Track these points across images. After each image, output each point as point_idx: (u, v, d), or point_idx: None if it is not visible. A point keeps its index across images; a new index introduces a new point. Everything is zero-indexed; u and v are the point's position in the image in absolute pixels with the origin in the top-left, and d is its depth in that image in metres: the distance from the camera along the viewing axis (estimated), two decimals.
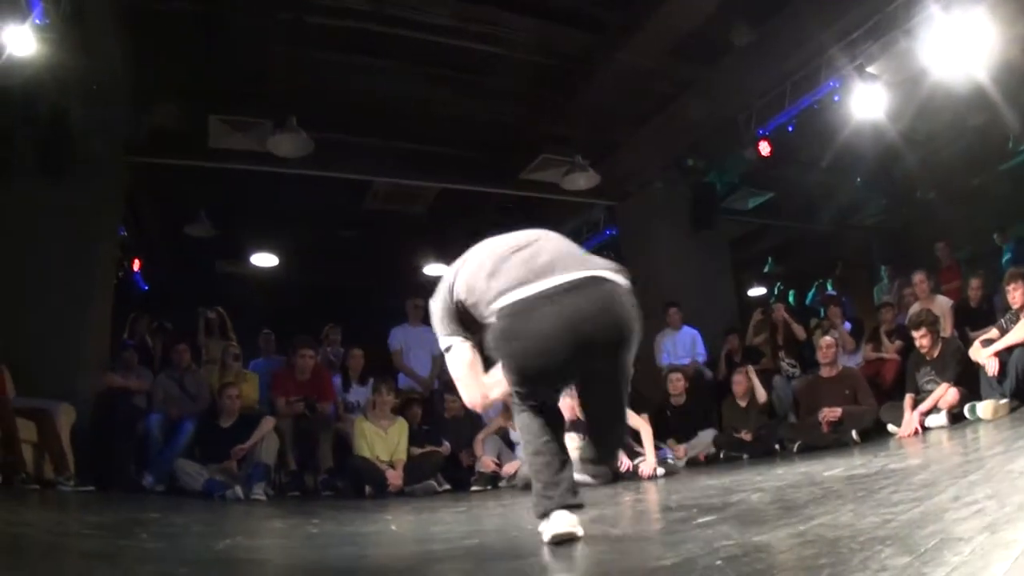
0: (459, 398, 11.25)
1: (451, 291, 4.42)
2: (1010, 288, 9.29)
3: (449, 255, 15.07)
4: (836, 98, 12.04)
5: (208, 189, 14.28)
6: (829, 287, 18.37)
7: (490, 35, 11.12)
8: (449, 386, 11.84)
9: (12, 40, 8.43)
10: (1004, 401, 8.59)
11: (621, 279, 4.04)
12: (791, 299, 19.02)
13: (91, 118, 10.74)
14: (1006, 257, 13.71)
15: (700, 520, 4.20)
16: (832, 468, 6.52)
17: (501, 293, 4.01)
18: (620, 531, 4.71)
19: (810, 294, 18.47)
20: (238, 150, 12.26)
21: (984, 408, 8.54)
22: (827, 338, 11.15)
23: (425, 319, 12.88)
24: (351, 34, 10.91)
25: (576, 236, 17.75)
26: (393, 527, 6.16)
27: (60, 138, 10.60)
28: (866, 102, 11.51)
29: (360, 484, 10.13)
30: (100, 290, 11.48)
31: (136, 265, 15.98)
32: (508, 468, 10.36)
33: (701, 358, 13.19)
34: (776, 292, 19.41)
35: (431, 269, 17.22)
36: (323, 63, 11.44)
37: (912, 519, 3.20)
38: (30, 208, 10.73)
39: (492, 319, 4.03)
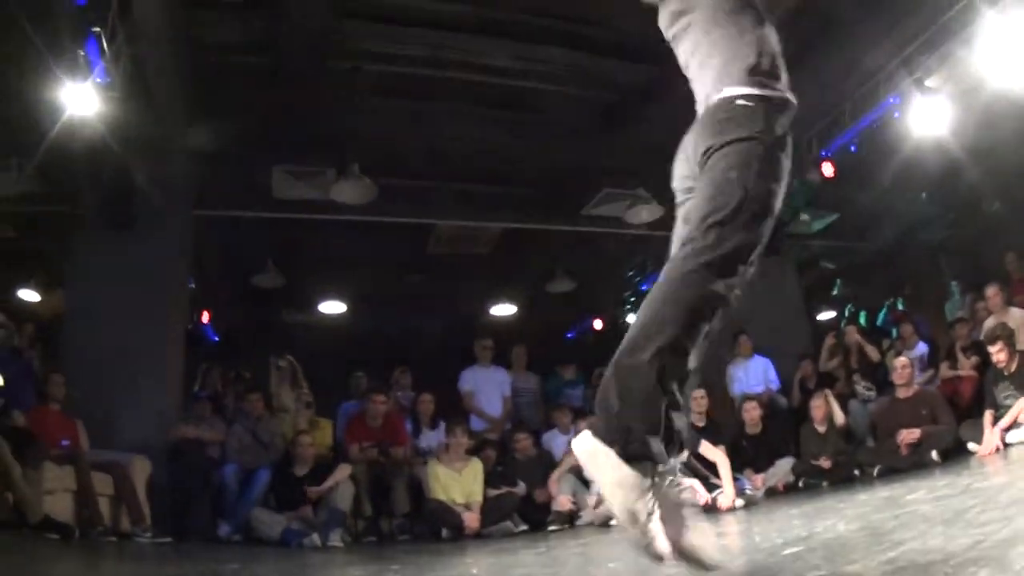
0: (530, 437, 11.19)
1: None
2: None
3: (514, 296, 15.06)
4: (897, 114, 11.93)
5: (274, 239, 14.39)
6: (900, 306, 18.17)
7: (547, 73, 11.17)
8: (520, 426, 11.82)
9: (74, 99, 8.52)
10: None
11: None
12: (862, 321, 18.81)
13: (155, 173, 10.88)
14: None
15: (787, 552, 4.11)
16: (915, 491, 6.39)
17: None
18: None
19: (881, 314, 18.23)
20: (302, 199, 12.32)
21: None
22: (901, 359, 11.00)
23: (495, 360, 12.92)
24: (409, 80, 11.00)
25: (641, 270, 17.73)
26: (474, 571, 6.12)
27: (125, 194, 10.76)
28: (927, 116, 11.38)
29: (436, 527, 10.10)
30: (171, 342, 11.59)
31: (205, 317, 16.13)
32: (590, 503, 10.17)
33: (774, 385, 13.01)
34: (847, 315, 19.19)
35: (497, 310, 17.26)
36: (383, 109, 11.53)
37: (1004, 539, 3.10)
38: (100, 263, 10.93)
39: None
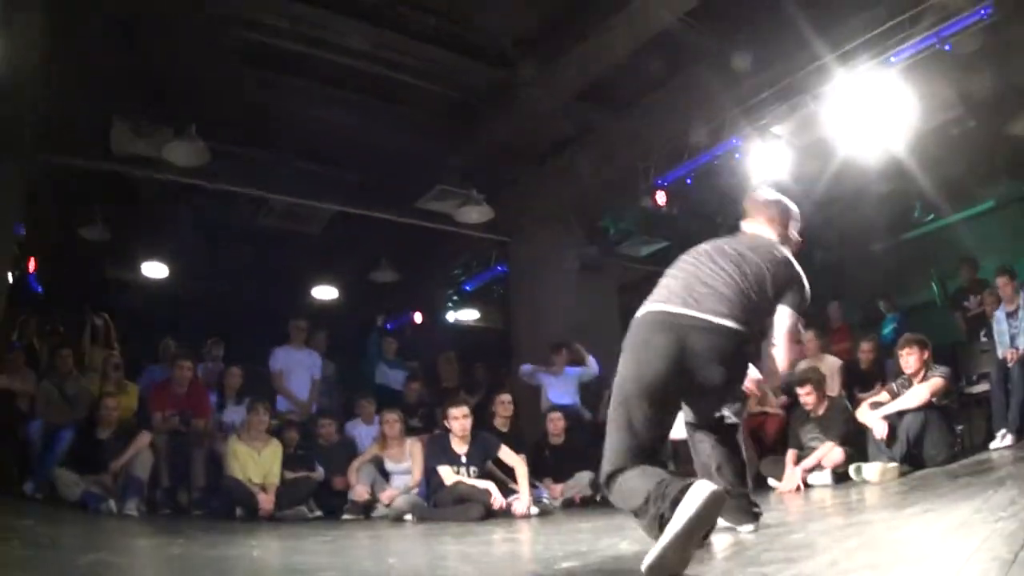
0: (334, 423, 11.15)
1: None
2: (904, 353, 9.42)
3: (339, 280, 14.97)
4: (738, 156, 12.24)
5: (107, 193, 14.03)
6: None
7: (400, 63, 11.17)
8: (325, 412, 11.77)
9: None
10: (893, 465, 8.70)
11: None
12: None
13: (4, 106, 10.58)
14: (888, 328, 13.90)
15: (563, 566, 4.23)
16: None
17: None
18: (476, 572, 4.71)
19: None
20: (139, 155, 12.06)
21: (871, 470, 8.64)
22: None
23: (307, 341, 12.85)
24: (264, 49, 10.89)
25: (466, 270, 17.82)
26: (256, 553, 6.12)
27: None
28: (767, 162, 11.71)
29: (231, 506, 10.00)
30: None
31: (32, 266, 15.68)
32: (384, 496, 10.28)
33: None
34: None
35: (319, 292, 17.12)
36: (233, 75, 11.36)
37: None
38: None
39: None
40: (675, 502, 3.62)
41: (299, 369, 12.71)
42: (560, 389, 12.96)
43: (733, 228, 14.74)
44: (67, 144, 11.98)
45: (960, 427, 10.45)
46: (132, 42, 10.66)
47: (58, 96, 11.06)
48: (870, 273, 16.25)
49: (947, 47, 10.17)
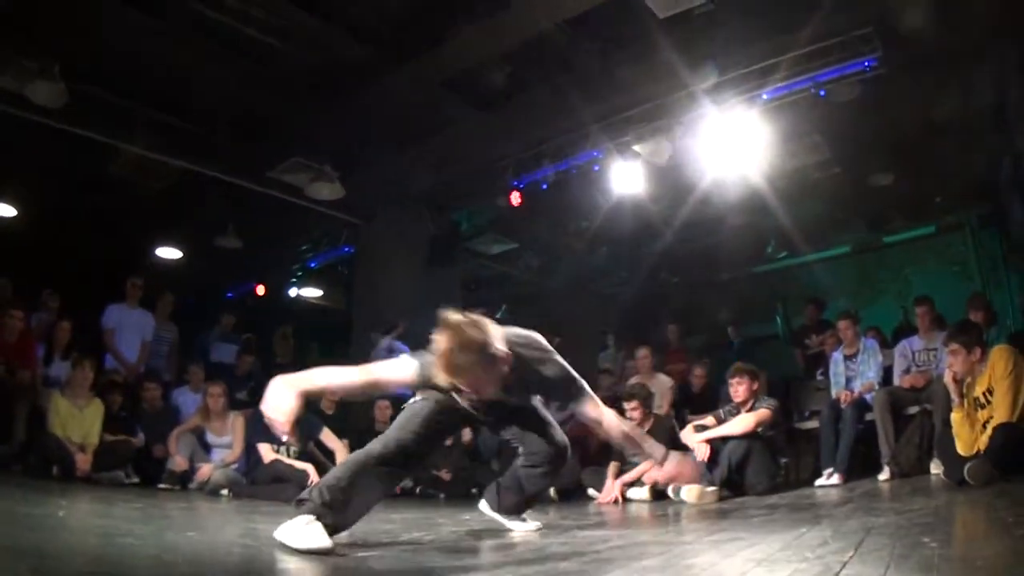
0: (159, 388, 10.93)
1: None
2: (733, 382, 9.61)
3: (184, 242, 14.59)
4: (596, 167, 12.37)
5: None
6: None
7: (272, 25, 11.00)
8: (152, 375, 11.56)
9: None
10: (712, 489, 8.83)
11: None
12: None
13: None
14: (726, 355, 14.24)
15: (359, 554, 4.22)
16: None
17: None
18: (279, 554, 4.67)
19: None
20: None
21: (689, 491, 8.76)
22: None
23: (143, 302, 12.55)
24: None
25: (314, 247, 17.65)
26: (61, 514, 5.98)
27: None
28: (624, 178, 11.88)
29: (48, 463, 9.74)
30: None
31: None
32: (201, 472, 10.16)
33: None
34: None
35: (162, 251, 16.79)
36: (108, 16, 11.07)
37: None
38: None
39: None
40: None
41: (131, 329, 12.46)
42: None
43: (585, 237, 14.93)
44: None
45: (785, 460, 10.71)
46: None
47: None
48: (717, 299, 16.58)
49: (822, 93, 10.43)
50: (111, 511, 6.51)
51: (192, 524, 6.31)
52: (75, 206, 15.97)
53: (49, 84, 11.28)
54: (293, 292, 18.73)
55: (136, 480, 10.21)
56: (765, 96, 10.64)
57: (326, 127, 13.04)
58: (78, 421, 9.97)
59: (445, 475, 10.95)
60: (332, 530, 4.23)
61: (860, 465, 9.90)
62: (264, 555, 4.10)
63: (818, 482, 9.64)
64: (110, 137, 13.16)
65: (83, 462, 9.67)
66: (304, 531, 4.16)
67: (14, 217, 15.77)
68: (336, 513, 4.36)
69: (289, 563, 3.85)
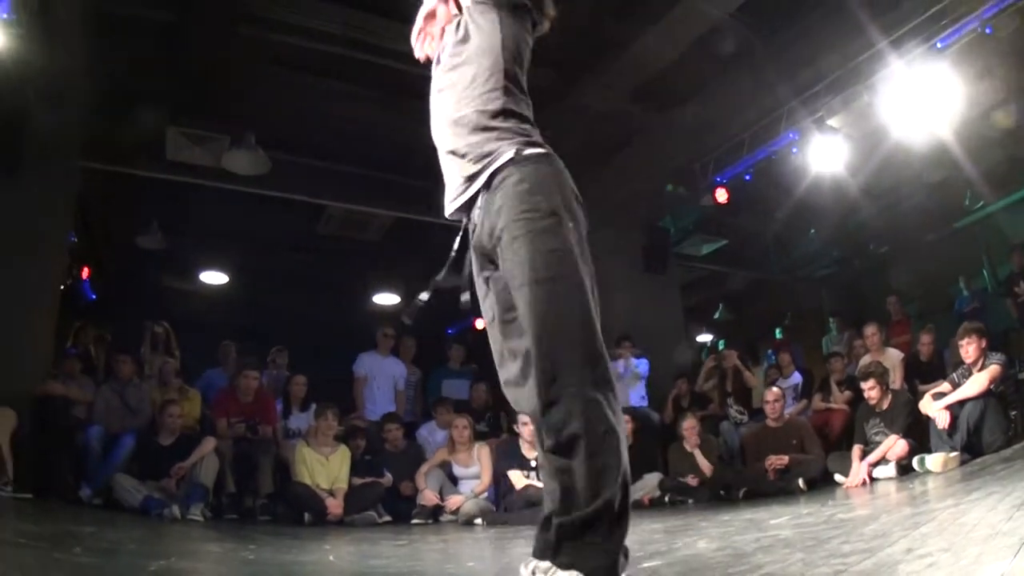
0: (401, 428, 11.07)
1: None
2: (963, 343, 9.36)
3: (400, 286, 14.82)
4: (795, 150, 12.09)
5: (162, 201, 14.08)
6: (778, 334, 18.45)
7: None
8: (392, 416, 11.72)
9: None
10: (955, 454, 8.65)
11: None
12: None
13: (49, 118, 10.59)
14: (958, 307, 13.82)
15: (644, 565, 4.10)
16: (778, 516, 6.45)
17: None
18: None
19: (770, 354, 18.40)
20: (194, 164, 12.08)
21: (934, 461, 8.59)
22: (774, 390, 11.10)
23: (394, 350, 12.72)
24: (319, 57, 10.85)
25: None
26: (332, 558, 6.04)
27: (15, 134, 10.46)
28: (824, 154, 11.60)
29: (299, 511, 9.97)
30: (46, 295, 11.27)
31: (85, 273, 15.77)
32: (451, 503, 10.25)
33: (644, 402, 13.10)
34: (722, 342, 19.33)
35: (380, 298, 17.05)
36: (288, 83, 11.35)
37: (865, 570, 3.13)
38: None
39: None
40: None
41: (383, 377, 12.65)
42: (623, 388, 12.84)
43: (791, 223, 14.69)
44: (120, 153, 12.01)
45: (1015, 412, 10.29)
46: (179, 49, 10.67)
47: (109, 104, 11.08)
48: (922, 263, 16.07)
49: (988, 29, 10.01)
50: (377, 550, 6.56)
51: (463, 554, 6.32)
52: (286, 267, 16.39)
53: (247, 153, 11.60)
54: None
55: (388, 519, 10.26)
56: (939, 44, 10.25)
57: None
58: (325, 468, 10.17)
59: (692, 480, 10.77)
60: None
61: None
62: None
63: None
64: (315, 197, 13.49)
65: (334, 506, 9.83)
66: None
67: (226, 283, 16.25)
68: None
69: None
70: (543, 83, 11.66)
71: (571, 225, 3.25)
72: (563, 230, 3.19)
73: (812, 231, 16.64)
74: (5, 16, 8.26)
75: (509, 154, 3.28)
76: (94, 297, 16.22)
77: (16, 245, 10.54)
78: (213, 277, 16.46)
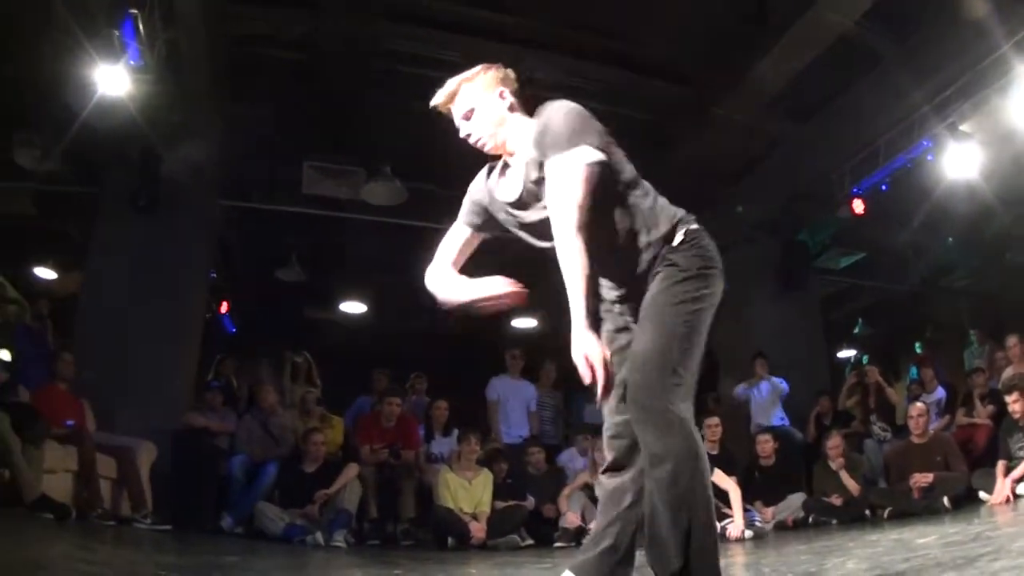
0: (543, 451, 11.15)
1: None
2: None
3: (537, 310, 14.83)
4: (930, 157, 11.89)
5: (299, 234, 14.38)
6: (918, 348, 18.12)
7: (587, 90, 11.12)
8: (534, 440, 11.76)
9: (106, 80, 8.62)
10: None
11: None
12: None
13: (183, 160, 10.91)
14: None
15: None
16: (925, 535, 6.33)
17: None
18: None
19: (913, 369, 18.04)
20: (330, 196, 12.31)
21: None
22: (918, 405, 10.90)
23: (524, 372, 12.80)
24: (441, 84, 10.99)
25: None
26: None
27: (151, 178, 10.81)
28: (959, 161, 11.36)
29: (442, 535, 10.08)
30: (187, 329, 11.57)
31: (224, 307, 16.14)
32: (595, 525, 10.19)
33: (784, 422, 12.92)
34: (865, 357, 19.00)
35: (518, 322, 17.12)
36: (419, 113, 11.50)
37: None
38: (121, 246, 10.98)
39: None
40: None
41: (515, 399, 12.69)
42: (765, 408, 12.74)
43: (929, 233, 14.41)
44: (257, 189, 12.30)
45: None
46: (311, 85, 10.90)
47: (243, 142, 11.36)
48: None
49: None
50: (523, 573, 6.59)
51: None
52: (424, 294, 16.56)
53: (384, 184, 11.77)
54: None
55: (531, 542, 10.27)
56: None
57: (660, 174, 13.06)
58: (468, 492, 10.24)
59: (836, 500, 10.62)
60: None
61: None
62: None
63: None
64: (446, 224, 13.63)
65: (477, 530, 9.88)
66: None
67: (365, 313, 16.48)
68: None
69: None
70: (676, 98, 11.69)
71: None
72: None
73: (949, 240, 16.32)
74: (133, 63, 8.50)
75: None
76: (234, 330, 16.60)
77: (158, 282, 10.87)
78: (352, 307, 16.71)
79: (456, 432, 11.21)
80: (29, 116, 10.47)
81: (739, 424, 12.75)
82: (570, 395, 13.59)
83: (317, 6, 9.95)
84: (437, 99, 3.83)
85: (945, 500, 9.63)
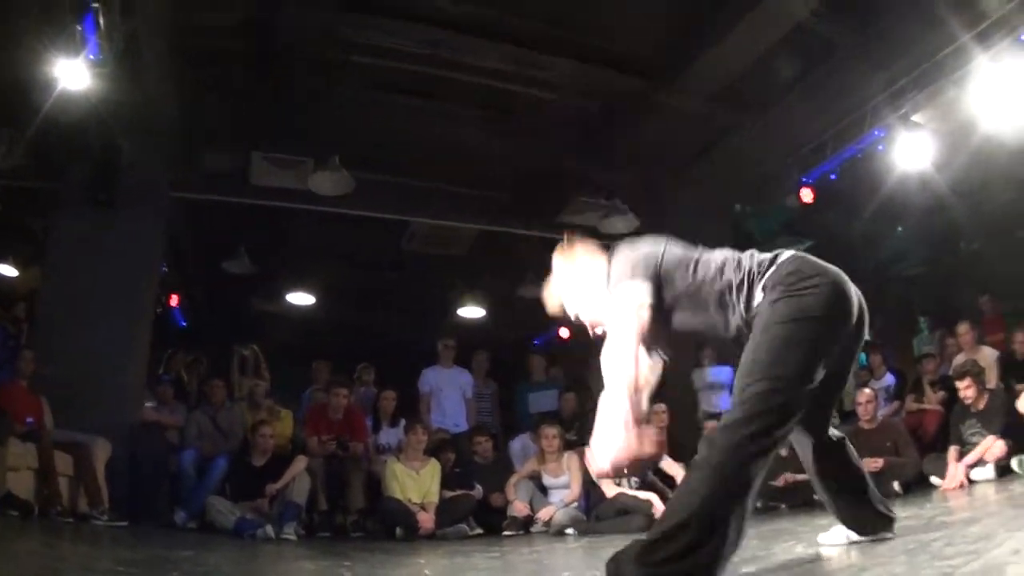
0: (490, 440, 11.17)
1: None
2: None
3: (485, 298, 14.87)
4: (881, 147, 11.93)
5: (248, 226, 14.26)
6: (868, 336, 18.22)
7: (537, 79, 11.10)
8: (480, 429, 11.76)
9: (65, 74, 8.51)
10: None
11: None
12: None
13: (140, 153, 10.83)
14: None
15: (743, 571, 4.06)
16: None
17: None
18: None
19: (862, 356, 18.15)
20: (279, 188, 12.22)
21: None
22: (866, 391, 10.94)
23: (457, 360, 12.82)
24: (399, 75, 10.92)
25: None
26: (427, 572, 6.05)
27: (109, 172, 10.71)
28: (911, 151, 11.41)
29: (391, 526, 10.07)
30: (139, 324, 11.46)
31: (174, 301, 16.01)
32: (543, 513, 10.25)
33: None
34: None
35: (465, 311, 17.10)
36: (368, 103, 11.43)
37: (972, 572, 3.07)
38: (77, 241, 10.86)
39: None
40: None
41: (449, 388, 12.71)
42: (712, 395, 12.78)
43: (879, 222, 14.48)
44: (207, 181, 12.20)
45: None
46: (263, 76, 10.81)
47: (195, 135, 11.27)
48: (1015, 261, 15.76)
49: None
50: (472, 562, 6.56)
51: (560, 565, 6.31)
52: (372, 285, 16.51)
53: (331, 174, 11.69)
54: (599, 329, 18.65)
55: (479, 531, 10.35)
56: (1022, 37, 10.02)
57: (607, 163, 13.06)
58: (416, 482, 10.26)
59: (781, 483, 10.59)
60: None
61: None
62: None
63: None
64: (399, 214, 13.60)
65: (426, 520, 9.90)
66: None
67: (314, 304, 16.42)
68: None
69: None
70: (625, 88, 11.67)
71: None
72: None
73: (899, 229, 16.40)
74: (92, 57, 8.41)
75: None
76: (184, 324, 16.48)
77: (113, 277, 10.79)
78: (300, 298, 16.61)
79: (403, 423, 11.19)
80: None
81: (688, 411, 12.73)
82: (511, 385, 13.63)
83: None
84: None
85: (896, 485, 9.65)
